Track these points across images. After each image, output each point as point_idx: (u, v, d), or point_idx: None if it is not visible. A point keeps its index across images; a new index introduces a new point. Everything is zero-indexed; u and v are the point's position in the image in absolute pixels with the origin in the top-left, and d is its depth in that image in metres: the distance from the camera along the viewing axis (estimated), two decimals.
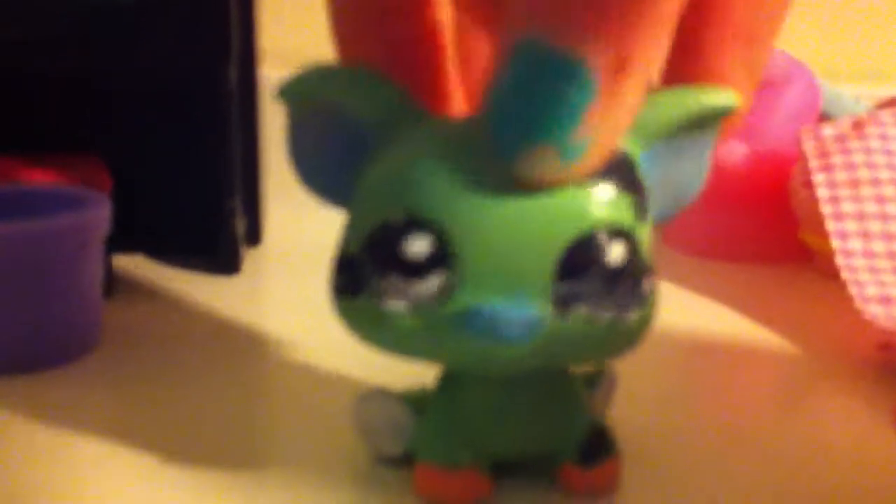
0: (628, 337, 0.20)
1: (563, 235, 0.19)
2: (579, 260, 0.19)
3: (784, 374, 0.34)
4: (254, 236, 0.47)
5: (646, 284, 0.20)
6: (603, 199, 0.19)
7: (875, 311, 0.34)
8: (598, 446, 0.23)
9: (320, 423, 0.28)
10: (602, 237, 0.19)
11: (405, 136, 0.20)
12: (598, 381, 0.25)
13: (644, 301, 0.20)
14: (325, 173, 0.22)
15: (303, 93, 0.21)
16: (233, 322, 0.37)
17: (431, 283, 0.19)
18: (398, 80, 0.21)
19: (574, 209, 0.19)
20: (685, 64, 0.21)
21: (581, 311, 0.19)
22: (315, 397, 0.30)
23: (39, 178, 0.36)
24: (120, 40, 0.43)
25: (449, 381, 0.23)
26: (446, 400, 0.23)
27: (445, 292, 0.19)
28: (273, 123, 0.54)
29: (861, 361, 0.34)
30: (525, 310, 0.19)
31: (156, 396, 0.29)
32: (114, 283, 0.39)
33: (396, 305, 0.19)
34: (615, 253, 0.19)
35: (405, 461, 0.24)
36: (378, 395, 0.24)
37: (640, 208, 0.20)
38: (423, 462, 0.23)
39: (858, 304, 0.34)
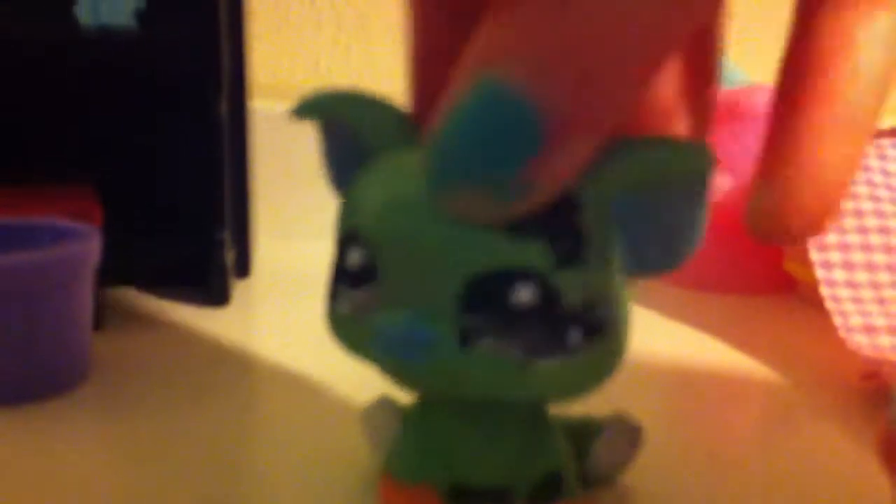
0: (550, 383, 0.20)
1: (468, 268, 0.19)
2: (481, 296, 0.19)
3: (769, 402, 0.34)
4: (243, 268, 0.47)
5: (572, 334, 0.19)
6: (518, 240, 0.19)
7: (859, 341, 0.34)
8: (550, 490, 0.23)
9: (311, 450, 0.28)
10: (506, 277, 0.19)
11: (386, 157, 0.21)
12: (599, 431, 0.26)
13: (566, 349, 0.19)
14: (342, 177, 0.23)
15: (315, 111, 0.23)
16: (222, 353, 0.37)
17: (362, 295, 0.20)
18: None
19: (485, 244, 0.19)
20: (780, 135, 0.21)
21: (486, 347, 0.19)
22: (305, 425, 0.30)
23: (31, 211, 0.36)
24: (113, 73, 0.43)
25: (421, 402, 0.24)
26: (416, 417, 0.24)
27: (372, 304, 0.20)
28: (262, 156, 0.55)
29: (845, 390, 0.34)
30: (422, 332, 0.19)
31: (146, 427, 0.29)
32: (104, 315, 0.39)
33: (343, 309, 0.21)
34: (521, 295, 0.19)
35: None
36: (382, 404, 0.25)
37: (568, 254, 0.19)
38: (385, 475, 0.24)
39: (843, 333, 0.35)
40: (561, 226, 0.19)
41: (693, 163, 0.19)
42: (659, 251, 0.21)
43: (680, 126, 0.22)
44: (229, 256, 0.43)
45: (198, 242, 0.43)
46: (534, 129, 0.16)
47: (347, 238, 0.21)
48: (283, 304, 0.44)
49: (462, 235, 0.19)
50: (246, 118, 0.46)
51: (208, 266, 0.43)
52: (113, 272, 0.37)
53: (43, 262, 0.30)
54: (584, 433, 0.26)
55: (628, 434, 0.26)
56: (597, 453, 0.25)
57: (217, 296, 0.43)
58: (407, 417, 0.24)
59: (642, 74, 0.16)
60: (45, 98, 0.44)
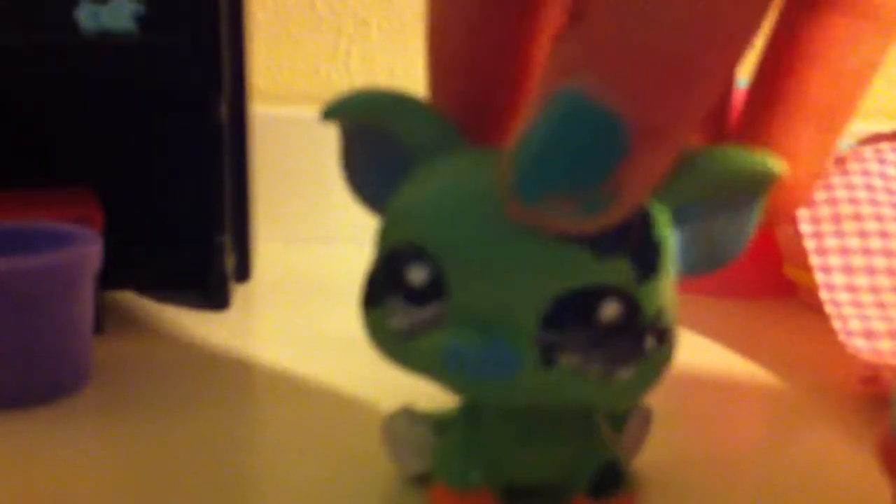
0: (626, 390, 0.20)
1: (552, 288, 0.19)
2: (567, 313, 0.19)
3: (769, 406, 0.34)
4: (243, 272, 0.47)
5: (648, 341, 0.20)
6: (601, 258, 0.19)
7: (858, 345, 0.34)
8: (610, 481, 0.23)
9: (313, 454, 0.28)
10: (593, 295, 0.19)
11: (435, 163, 0.21)
12: (627, 418, 0.26)
13: (644, 357, 0.20)
14: (371, 186, 0.22)
15: (348, 113, 0.22)
16: (223, 357, 0.37)
17: (427, 312, 0.20)
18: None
19: (568, 263, 0.19)
20: (753, 134, 0.21)
21: (568, 363, 0.19)
22: (306, 429, 0.30)
23: (32, 215, 0.36)
24: (113, 77, 0.43)
25: (468, 406, 0.24)
26: (466, 423, 0.24)
27: (438, 323, 0.20)
28: (262, 160, 0.55)
29: (845, 394, 0.34)
30: (499, 352, 0.19)
31: (147, 431, 0.29)
32: (104, 319, 0.39)
33: (398, 326, 0.20)
34: (607, 312, 0.19)
35: (428, 480, 0.24)
36: (404, 413, 0.25)
37: (645, 268, 0.19)
38: (437, 482, 0.24)
39: (842, 337, 0.35)
40: (640, 240, 0.19)
41: (761, 170, 0.20)
42: (708, 255, 0.21)
43: (706, 132, 0.22)
44: (229, 261, 0.43)
45: (198, 246, 0.43)
46: (618, 137, 0.16)
47: (406, 252, 0.20)
48: (284, 308, 0.44)
49: (546, 252, 0.19)
50: (246, 123, 0.46)
51: (208, 270, 0.43)
52: (113, 276, 0.37)
53: (44, 266, 0.31)
54: (609, 422, 0.26)
55: (645, 418, 0.26)
56: (625, 440, 0.26)
57: (217, 300, 0.43)
58: (450, 423, 0.24)
59: (717, 77, 0.17)
60: (46, 103, 0.44)
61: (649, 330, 0.20)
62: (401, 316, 0.20)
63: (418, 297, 0.20)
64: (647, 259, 0.19)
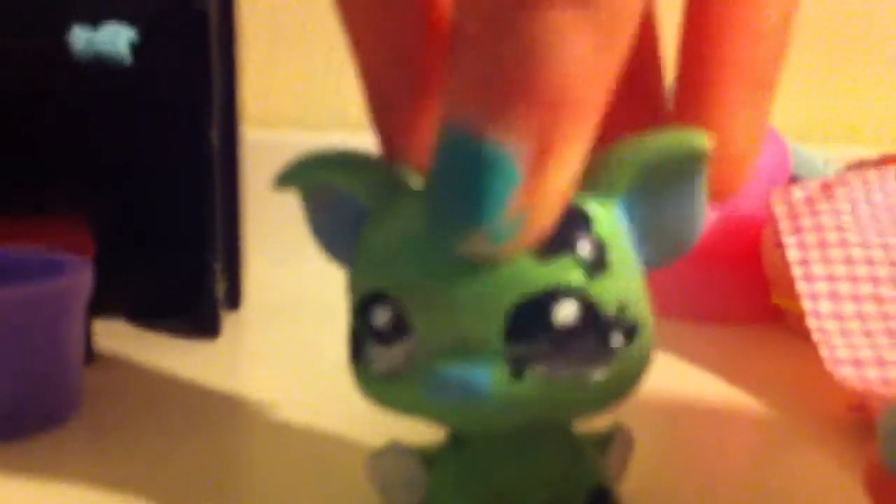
0: (602, 392, 0.20)
1: (505, 302, 0.19)
2: (525, 323, 0.19)
3: (756, 433, 0.34)
4: (233, 299, 0.47)
5: (614, 339, 0.20)
6: (545, 264, 0.19)
7: (846, 373, 0.35)
8: (602, 503, 0.23)
9: (303, 484, 0.28)
10: (546, 299, 0.19)
11: (383, 212, 0.21)
12: (609, 442, 0.26)
13: (612, 355, 0.20)
14: (338, 244, 0.23)
15: (300, 179, 0.23)
16: (213, 385, 0.37)
17: (397, 351, 0.20)
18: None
19: (514, 277, 0.19)
20: (687, 111, 0.21)
21: (537, 371, 0.20)
22: (296, 459, 0.30)
23: (23, 242, 0.36)
24: (106, 103, 0.43)
25: (456, 436, 0.24)
26: (454, 452, 0.24)
27: (409, 359, 0.20)
28: (254, 186, 0.55)
29: (832, 421, 0.34)
30: (468, 372, 0.19)
31: (138, 460, 0.29)
32: (94, 348, 0.39)
33: (379, 369, 0.21)
34: (564, 313, 0.19)
35: None
36: (392, 451, 0.25)
37: (595, 264, 0.20)
38: None
39: (829, 365, 0.35)
40: (580, 238, 0.20)
41: (689, 147, 0.20)
42: (664, 244, 0.21)
43: (643, 121, 0.23)
44: (220, 287, 0.43)
45: (189, 273, 0.43)
46: (506, 165, 0.17)
47: (370, 298, 0.21)
48: (274, 335, 0.44)
49: (491, 273, 0.19)
50: (237, 146, 0.46)
51: (199, 297, 0.43)
52: (103, 303, 0.37)
53: (34, 294, 0.31)
54: (592, 446, 0.26)
55: (627, 441, 0.26)
56: (609, 463, 0.26)
57: (208, 327, 0.43)
58: (437, 454, 0.24)
59: (598, 92, 0.17)
60: (36, 129, 0.44)
61: (613, 327, 0.20)
62: (378, 359, 0.21)
63: (387, 338, 0.20)
64: (592, 255, 0.20)
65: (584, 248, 0.20)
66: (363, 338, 0.21)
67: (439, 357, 0.20)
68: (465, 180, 0.17)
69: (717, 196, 0.22)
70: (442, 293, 0.19)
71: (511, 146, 0.16)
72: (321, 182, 0.23)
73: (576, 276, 0.19)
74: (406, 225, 0.20)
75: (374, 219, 0.21)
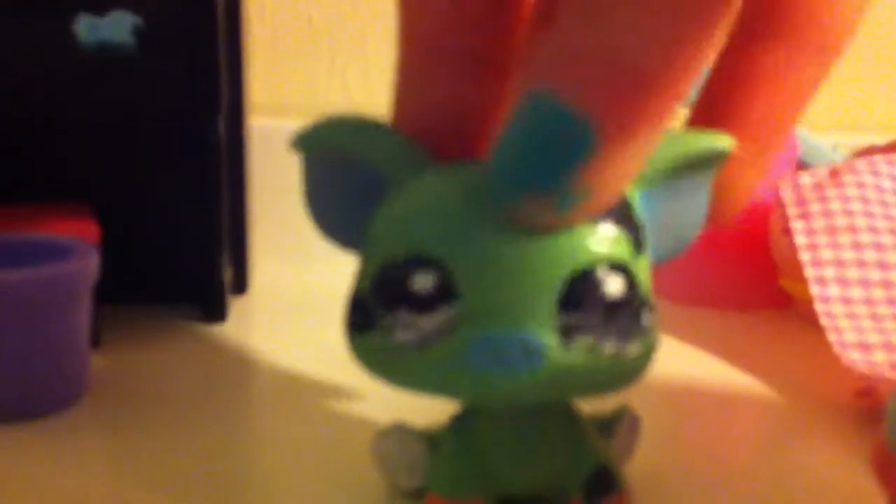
0: (631, 368, 0.21)
1: (563, 270, 0.19)
2: (579, 292, 0.19)
3: (763, 418, 0.34)
4: (240, 285, 0.47)
5: (645, 317, 0.21)
6: (601, 236, 0.20)
7: (853, 357, 0.34)
8: (603, 483, 0.24)
9: (311, 468, 0.28)
10: (601, 271, 0.20)
11: (412, 181, 0.21)
12: (615, 424, 0.26)
13: (644, 333, 0.21)
14: (339, 218, 0.23)
15: (317, 142, 0.22)
16: (220, 370, 0.37)
17: (438, 317, 0.20)
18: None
19: (573, 245, 0.19)
20: None
21: (584, 342, 0.20)
22: (304, 442, 0.30)
23: (29, 229, 0.37)
24: (112, 91, 0.43)
25: (460, 417, 0.24)
26: (457, 435, 0.24)
27: (451, 326, 0.20)
28: (260, 174, 0.55)
29: (840, 406, 0.34)
30: (527, 337, 0.19)
31: (144, 444, 0.29)
32: (101, 332, 0.39)
33: (406, 338, 0.20)
34: (614, 286, 0.20)
35: (421, 495, 0.24)
36: (396, 431, 0.25)
37: (637, 244, 0.20)
38: (431, 494, 0.24)
39: (837, 350, 0.35)
40: (626, 218, 0.20)
41: (716, 143, 0.21)
42: (672, 239, 0.22)
43: None
44: (227, 273, 0.43)
45: (195, 259, 0.43)
46: (585, 138, 0.17)
47: (405, 263, 0.20)
48: (281, 321, 0.44)
49: (548, 241, 0.19)
50: (244, 137, 0.46)
51: (206, 283, 0.43)
52: (111, 289, 0.37)
53: (41, 279, 0.31)
54: (598, 427, 0.26)
55: (634, 423, 0.26)
56: (615, 445, 0.26)
57: (215, 313, 0.43)
58: (441, 436, 0.24)
59: (681, 78, 0.17)
60: (44, 118, 0.44)
61: (646, 305, 0.21)
62: (407, 328, 0.20)
63: (426, 303, 0.20)
64: (636, 234, 0.21)
65: (632, 226, 0.20)
66: (383, 307, 0.20)
67: (488, 323, 0.19)
68: (544, 141, 0.17)
69: (716, 221, 0.23)
70: (497, 258, 0.19)
71: (594, 118, 0.17)
72: (338, 147, 0.22)
73: (626, 252, 0.20)
74: (452, 192, 0.20)
75: (404, 187, 0.21)
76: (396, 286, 0.20)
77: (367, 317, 0.21)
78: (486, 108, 0.22)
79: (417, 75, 0.22)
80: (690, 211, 0.22)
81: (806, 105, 0.22)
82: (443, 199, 0.20)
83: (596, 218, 0.20)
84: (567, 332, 0.20)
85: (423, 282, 0.20)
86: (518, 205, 0.18)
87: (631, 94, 0.17)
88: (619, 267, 0.20)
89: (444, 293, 0.20)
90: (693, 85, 0.18)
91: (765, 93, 0.22)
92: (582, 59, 0.17)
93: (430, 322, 0.20)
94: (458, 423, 0.24)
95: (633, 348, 0.20)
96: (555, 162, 0.17)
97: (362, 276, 0.21)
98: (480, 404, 0.23)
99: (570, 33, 0.17)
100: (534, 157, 0.18)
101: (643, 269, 0.21)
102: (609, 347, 0.20)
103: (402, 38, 0.22)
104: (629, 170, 0.18)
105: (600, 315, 0.20)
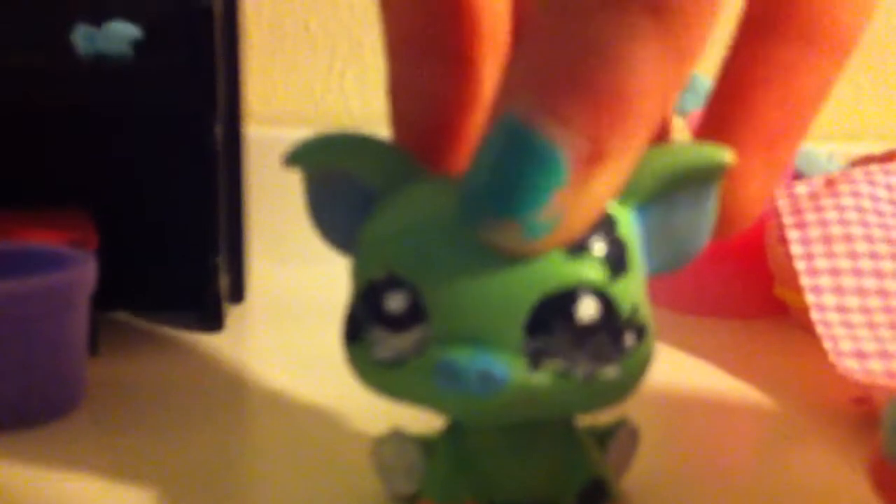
0: (611, 389, 0.21)
1: (532, 294, 0.19)
2: (548, 317, 0.19)
3: (760, 426, 0.34)
4: (237, 293, 0.47)
5: (627, 339, 0.20)
6: (574, 260, 0.19)
7: (849, 366, 0.34)
8: (596, 495, 0.24)
9: (307, 475, 0.28)
10: (572, 295, 0.19)
11: (398, 195, 0.21)
12: (612, 436, 0.26)
13: (624, 355, 0.20)
14: (339, 229, 0.23)
15: (308, 160, 0.23)
16: (217, 378, 0.37)
17: (409, 337, 0.20)
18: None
19: (544, 269, 0.19)
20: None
21: (553, 366, 0.20)
22: (300, 450, 0.30)
23: (27, 236, 0.37)
24: (110, 100, 0.44)
25: (453, 425, 0.24)
26: (450, 442, 0.24)
27: (422, 346, 0.20)
28: (257, 182, 0.55)
29: (836, 414, 0.34)
30: (489, 363, 0.19)
31: (141, 452, 0.29)
32: (99, 340, 0.39)
33: (383, 355, 0.21)
34: (586, 310, 0.19)
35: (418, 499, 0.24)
36: (393, 437, 0.25)
37: (618, 265, 0.20)
38: (424, 499, 0.24)
39: (833, 358, 0.35)
40: (604, 238, 0.20)
41: (715, 156, 0.20)
42: (672, 253, 0.22)
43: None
44: (224, 281, 0.43)
45: (192, 267, 0.43)
46: (556, 163, 0.17)
47: (382, 282, 0.20)
48: (278, 329, 0.44)
49: (518, 265, 0.19)
50: (241, 144, 0.46)
51: (203, 291, 0.43)
52: (108, 297, 0.37)
53: (39, 287, 0.31)
54: (596, 438, 0.26)
55: (632, 436, 0.26)
56: (610, 457, 0.26)
57: (212, 321, 0.43)
58: (437, 442, 0.24)
59: (653, 107, 0.17)
60: (41, 124, 0.44)
61: (627, 327, 0.20)
62: (384, 345, 0.20)
63: (398, 323, 0.20)
64: (615, 256, 0.20)
65: (609, 248, 0.20)
66: (365, 321, 0.21)
67: (454, 346, 0.20)
68: (512, 168, 0.17)
69: (723, 233, 0.22)
70: (466, 282, 0.19)
71: (565, 146, 0.16)
72: (329, 163, 0.22)
73: (599, 276, 0.20)
74: (428, 211, 0.20)
75: (387, 203, 0.21)
76: (374, 304, 0.20)
77: (355, 329, 0.21)
78: (466, 104, 0.22)
79: (400, 68, 0.22)
80: (692, 223, 0.22)
81: (819, 108, 0.22)
82: (418, 219, 0.20)
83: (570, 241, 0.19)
84: (535, 356, 0.20)
85: (396, 302, 0.20)
86: (484, 230, 0.18)
87: (606, 120, 0.16)
88: (591, 291, 0.19)
89: (417, 313, 0.20)
90: (673, 103, 0.18)
91: (779, 95, 0.21)
92: (553, 83, 0.16)
93: (402, 341, 0.20)
94: (451, 431, 0.24)
95: (610, 371, 0.20)
96: (523, 192, 0.17)
97: (353, 288, 0.22)
98: (457, 419, 0.23)
99: (540, 54, 0.17)
100: (501, 186, 0.17)
101: (626, 289, 0.20)
102: (582, 371, 0.20)
103: (383, 31, 0.22)
104: (602, 195, 0.18)
105: (570, 339, 0.20)
